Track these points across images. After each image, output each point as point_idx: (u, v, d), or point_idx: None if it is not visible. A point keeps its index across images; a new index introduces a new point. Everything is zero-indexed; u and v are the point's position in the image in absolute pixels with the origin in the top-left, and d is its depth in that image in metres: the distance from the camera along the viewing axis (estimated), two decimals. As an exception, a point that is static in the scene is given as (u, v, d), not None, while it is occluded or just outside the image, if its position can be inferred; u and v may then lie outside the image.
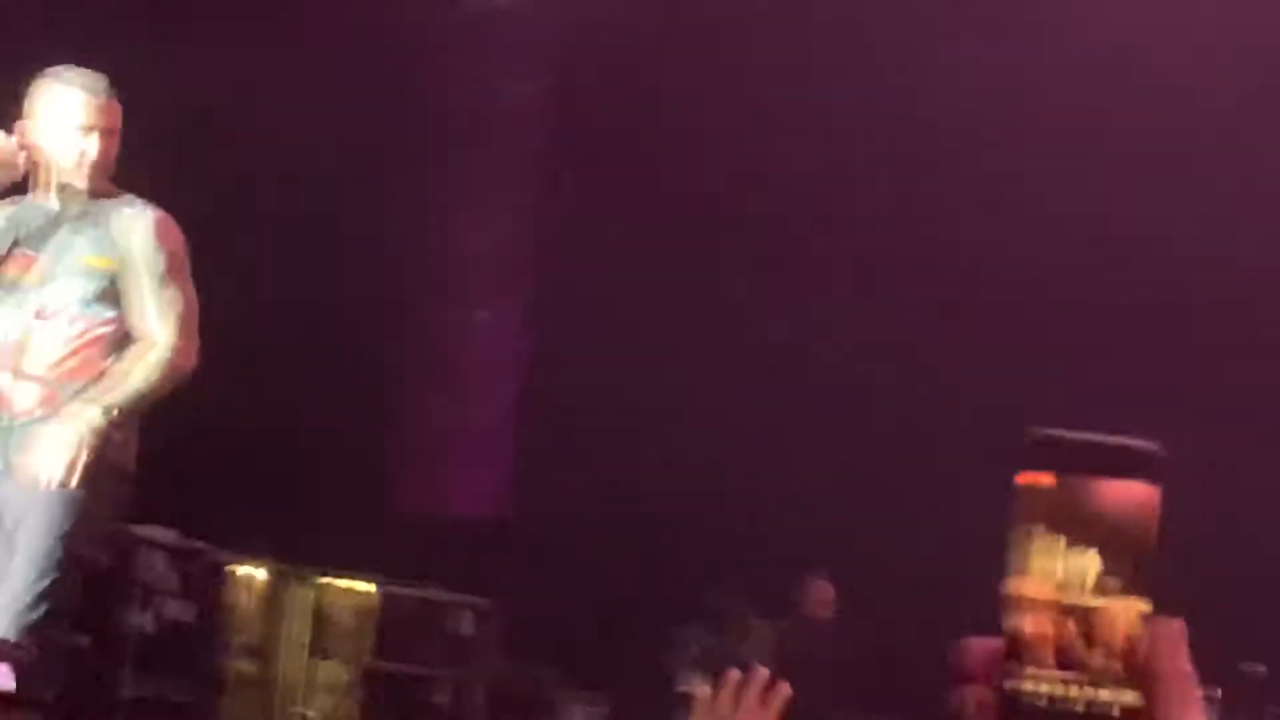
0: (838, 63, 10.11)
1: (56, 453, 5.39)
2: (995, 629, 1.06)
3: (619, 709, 8.92)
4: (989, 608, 1.12)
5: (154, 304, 5.57)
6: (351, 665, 8.94)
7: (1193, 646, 1.05)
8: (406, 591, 9.15)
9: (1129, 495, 0.97)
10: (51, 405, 5.21)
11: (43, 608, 5.24)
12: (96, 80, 5.24)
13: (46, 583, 5.18)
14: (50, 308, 5.25)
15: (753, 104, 10.38)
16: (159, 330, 5.49)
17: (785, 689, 2.45)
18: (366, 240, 9.99)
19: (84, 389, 5.23)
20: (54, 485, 5.24)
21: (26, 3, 8.58)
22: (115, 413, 5.55)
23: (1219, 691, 8.62)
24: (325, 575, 9.16)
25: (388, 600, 9.03)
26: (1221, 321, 9.70)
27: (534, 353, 10.79)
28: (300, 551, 9.15)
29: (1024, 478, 0.96)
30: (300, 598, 9.06)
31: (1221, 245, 9.57)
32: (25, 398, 5.20)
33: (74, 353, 5.29)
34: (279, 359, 9.51)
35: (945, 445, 9.56)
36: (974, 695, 0.98)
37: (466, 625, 8.97)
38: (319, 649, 8.97)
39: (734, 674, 2.45)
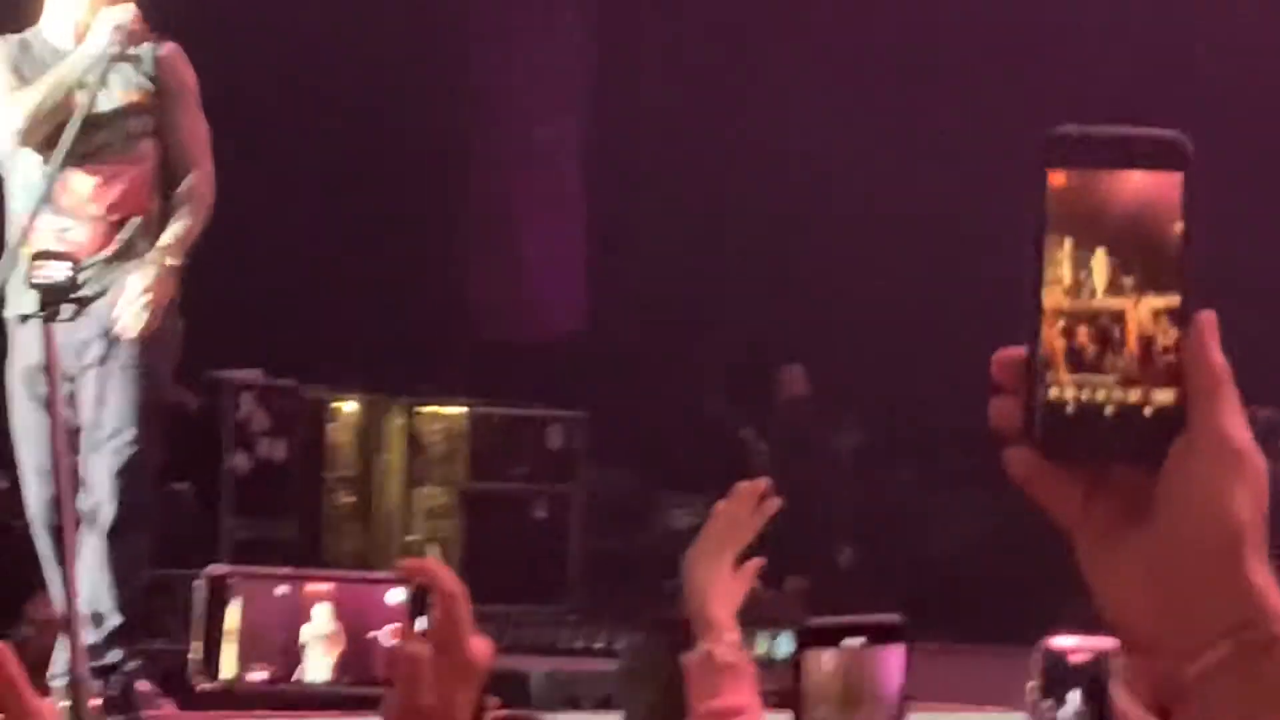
0: None
1: (138, 298, 5.42)
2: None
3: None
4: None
5: (191, 134, 5.60)
6: (449, 488, 8.87)
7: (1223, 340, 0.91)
8: (497, 411, 9.03)
9: (1142, 187, 0.87)
10: (112, 245, 5.36)
11: (136, 453, 5.39)
12: None
13: (136, 430, 5.41)
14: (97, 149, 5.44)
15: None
16: (201, 160, 5.52)
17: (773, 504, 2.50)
18: (438, 66, 9.81)
19: (142, 228, 5.40)
20: (138, 331, 5.33)
21: None
22: (183, 257, 5.62)
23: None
24: (416, 403, 9.05)
25: (479, 421, 8.94)
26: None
27: (602, 169, 10.58)
28: (390, 382, 9.08)
29: (1053, 179, 0.84)
30: (393, 427, 9.01)
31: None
32: (87, 239, 5.31)
33: (126, 191, 5.43)
34: (360, 194, 9.41)
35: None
36: (1004, 407, 0.88)
37: (558, 439, 8.88)
38: (415, 476, 8.93)
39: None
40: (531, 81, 10.78)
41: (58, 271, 5.04)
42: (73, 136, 5.22)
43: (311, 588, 1.71)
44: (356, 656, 1.70)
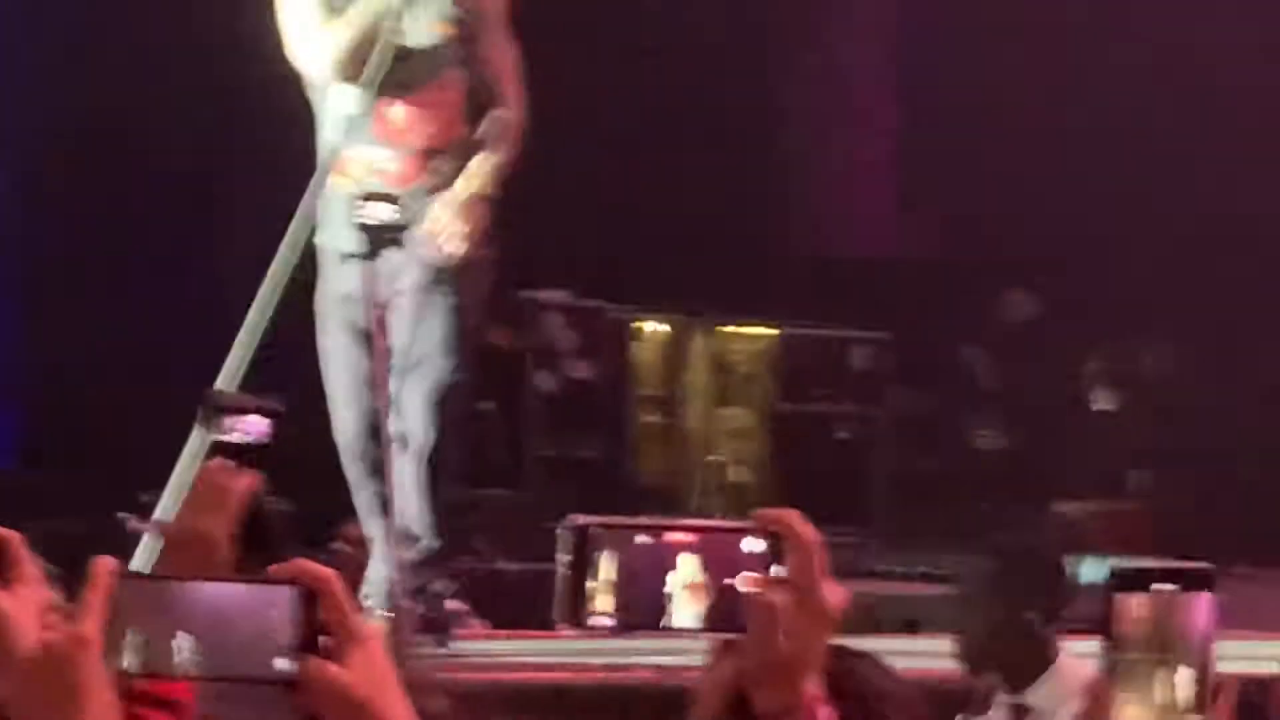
0: None
1: (452, 223, 5.48)
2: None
3: (1014, 427, 8.62)
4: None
5: (500, 64, 5.61)
6: (756, 409, 8.82)
7: None
8: (803, 332, 8.98)
9: None
10: (425, 175, 5.41)
11: (449, 381, 5.46)
12: None
13: (448, 358, 5.47)
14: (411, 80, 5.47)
15: None
16: (509, 89, 5.52)
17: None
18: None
19: (453, 157, 5.44)
20: (454, 253, 5.42)
21: None
22: (493, 187, 5.67)
23: None
24: (723, 323, 9.02)
25: (785, 342, 8.90)
26: None
27: (909, 88, 10.32)
28: (696, 301, 9.06)
29: None
30: (700, 347, 8.97)
31: None
32: (401, 169, 5.39)
33: (437, 120, 5.49)
34: (668, 113, 9.32)
35: None
36: None
37: (864, 360, 8.76)
38: (723, 396, 8.89)
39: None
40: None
41: (383, 212, 5.12)
42: (383, 67, 5.26)
43: (672, 537, 1.68)
44: (722, 605, 1.68)
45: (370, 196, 5.20)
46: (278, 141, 6.13)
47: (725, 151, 9.83)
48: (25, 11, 8.40)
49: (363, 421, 5.59)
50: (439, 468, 5.62)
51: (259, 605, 1.47)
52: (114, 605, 1.45)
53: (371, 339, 5.45)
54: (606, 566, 1.66)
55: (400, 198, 5.31)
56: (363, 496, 5.65)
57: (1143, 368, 8.77)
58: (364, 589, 5.42)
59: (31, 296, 8.64)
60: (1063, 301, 9.26)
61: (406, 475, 5.57)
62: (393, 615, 5.21)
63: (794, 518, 1.59)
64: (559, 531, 2.03)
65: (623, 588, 1.67)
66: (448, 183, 5.51)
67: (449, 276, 5.60)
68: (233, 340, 5.05)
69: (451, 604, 5.77)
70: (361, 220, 5.15)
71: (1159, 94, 9.06)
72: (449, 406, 5.67)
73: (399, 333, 5.56)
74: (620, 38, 8.60)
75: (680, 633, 1.64)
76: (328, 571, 1.47)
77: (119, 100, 8.10)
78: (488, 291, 5.98)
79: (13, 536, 1.52)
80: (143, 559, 3.29)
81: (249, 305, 5.12)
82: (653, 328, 9.01)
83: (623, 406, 8.81)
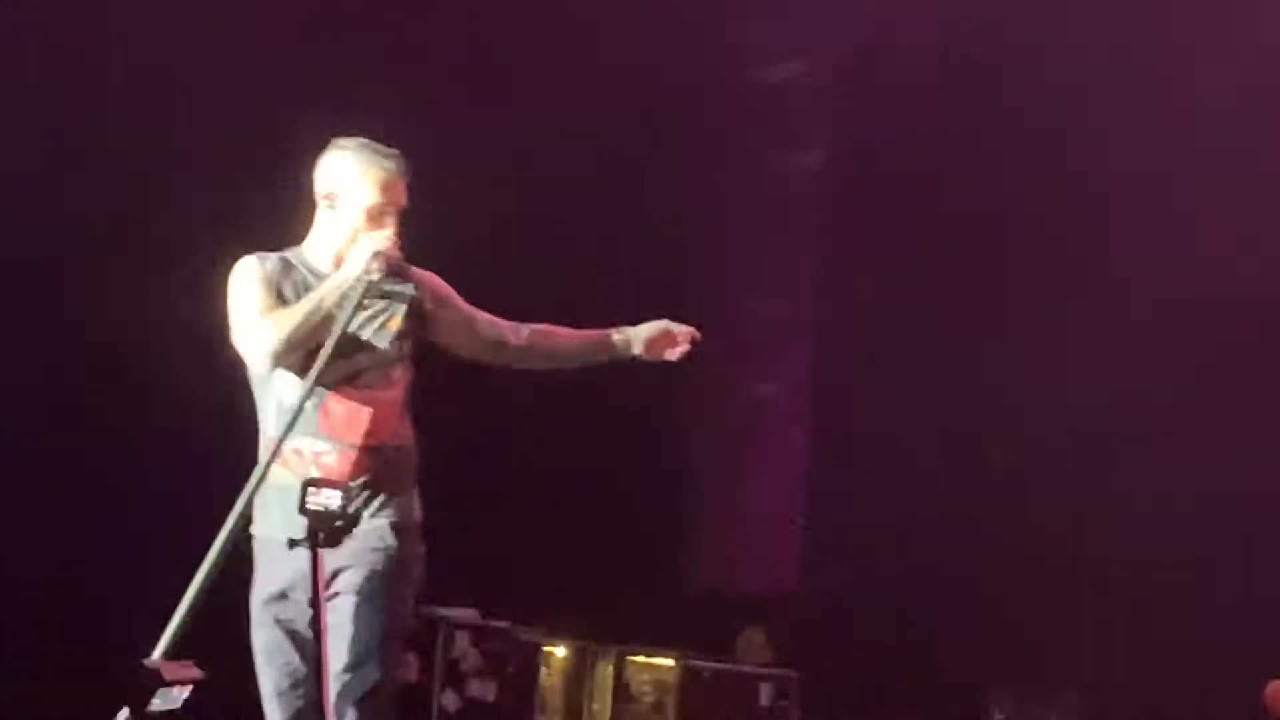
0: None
1: (389, 531, 5.11)
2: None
3: None
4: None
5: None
6: None
7: None
8: (707, 665, 9.10)
9: None
10: (366, 472, 5.17)
11: (378, 683, 5.06)
12: (400, 159, 5.24)
13: (379, 660, 5.07)
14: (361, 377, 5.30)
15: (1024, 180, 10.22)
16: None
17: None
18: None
19: (394, 454, 5.20)
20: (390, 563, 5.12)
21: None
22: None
23: None
24: (627, 652, 9.14)
25: (688, 674, 8.98)
26: None
27: (818, 428, 10.82)
28: (600, 629, 9.19)
29: None
30: (602, 674, 9.08)
31: None
32: (342, 464, 5.13)
33: (380, 418, 5.27)
34: (575, 455, 9.62)
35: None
36: None
37: (766, 696, 8.89)
38: None
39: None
40: (751, 338, 11.08)
41: (331, 499, 4.80)
42: (327, 361, 5.16)
43: None
44: None
45: (315, 482, 4.88)
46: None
47: (635, 489, 10.12)
48: None
49: (278, 702, 5.23)
50: None
51: None
52: None
53: (299, 637, 5.18)
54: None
55: (354, 495, 5.13)
56: None
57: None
58: None
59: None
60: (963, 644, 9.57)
61: None
62: None
63: None
64: None
65: None
66: (388, 482, 5.22)
67: (386, 580, 5.19)
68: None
69: None
70: (310, 506, 4.78)
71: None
72: (375, 712, 5.12)
73: (330, 632, 5.11)
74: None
75: None
76: None
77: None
78: (417, 595, 5.81)
79: None
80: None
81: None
82: (558, 652, 9.10)
83: None
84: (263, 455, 5.18)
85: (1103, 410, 9.50)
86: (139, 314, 7.89)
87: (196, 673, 3.78)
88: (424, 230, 5.23)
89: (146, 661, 3.72)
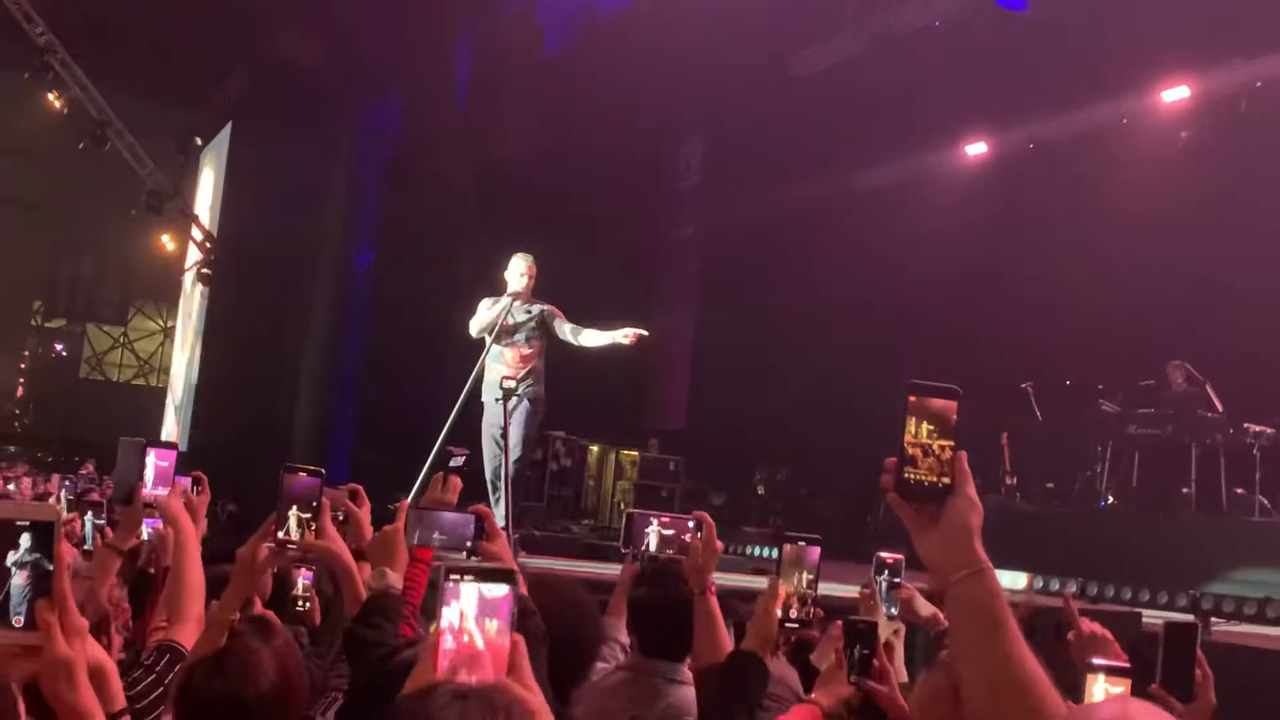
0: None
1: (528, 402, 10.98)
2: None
3: (731, 499, 21.79)
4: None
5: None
6: (631, 482, 20.98)
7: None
8: (654, 455, 21.63)
9: (942, 404, 2.29)
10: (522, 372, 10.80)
11: (523, 462, 10.93)
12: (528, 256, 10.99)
13: (523, 451, 10.84)
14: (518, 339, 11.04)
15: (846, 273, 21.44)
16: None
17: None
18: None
19: (535, 372, 10.97)
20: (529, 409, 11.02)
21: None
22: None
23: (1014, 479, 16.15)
24: (621, 447, 19.85)
25: (644, 459, 21.36)
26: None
27: (698, 357, 23.46)
28: (611, 438, 20.33)
29: (910, 398, 2.31)
30: (611, 458, 20.10)
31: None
32: (508, 385, 10.59)
33: (527, 357, 10.97)
34: (590, 368, 22.06)
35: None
36: (887, 479, 2.35)
37: (673, 467, 20.77)
38: (617, 475, 21.14)
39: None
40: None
41: (509, 382, 10.52)
42: (500, 334, 10.77)
43: (664, 520, 4.62)
44: (674, 544, 4.69)
45: (506, 379, 10.47)
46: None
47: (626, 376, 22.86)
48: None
49: (490, 463, 10.74)
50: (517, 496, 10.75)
51: (462, 522, 3.77)
52: (408, 519, 3.78)
53: (497, 441, 10.74)
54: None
55: (519, 382, 10.68)
56: (491, 498, 10.47)
57: (778, 477, 21.98)
58: None
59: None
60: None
61: (503, 493, 10.51)
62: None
63: (706, 515, 4.59)
64: (624, 515, 5.24)
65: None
66: (534, 379, 10.85)
67: (529, 416, 10.92)
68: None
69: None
70: (504, 386, 10.39)
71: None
72: (521, 478, 10.88)
73: (511, 432, 10.64)
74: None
75: (661, 555, 4.83)
76: (486, 509, 3.81)
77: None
78: (542, 421, 11.52)
79: (356, 489, 4.56)
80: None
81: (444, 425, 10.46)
82: (594, 448, 19.02)
83: (581, 477, 18.34)
84: (479, 367, 10.91)
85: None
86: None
87: (467, 450, 5.76)
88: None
89: (448, 448, 6.14)
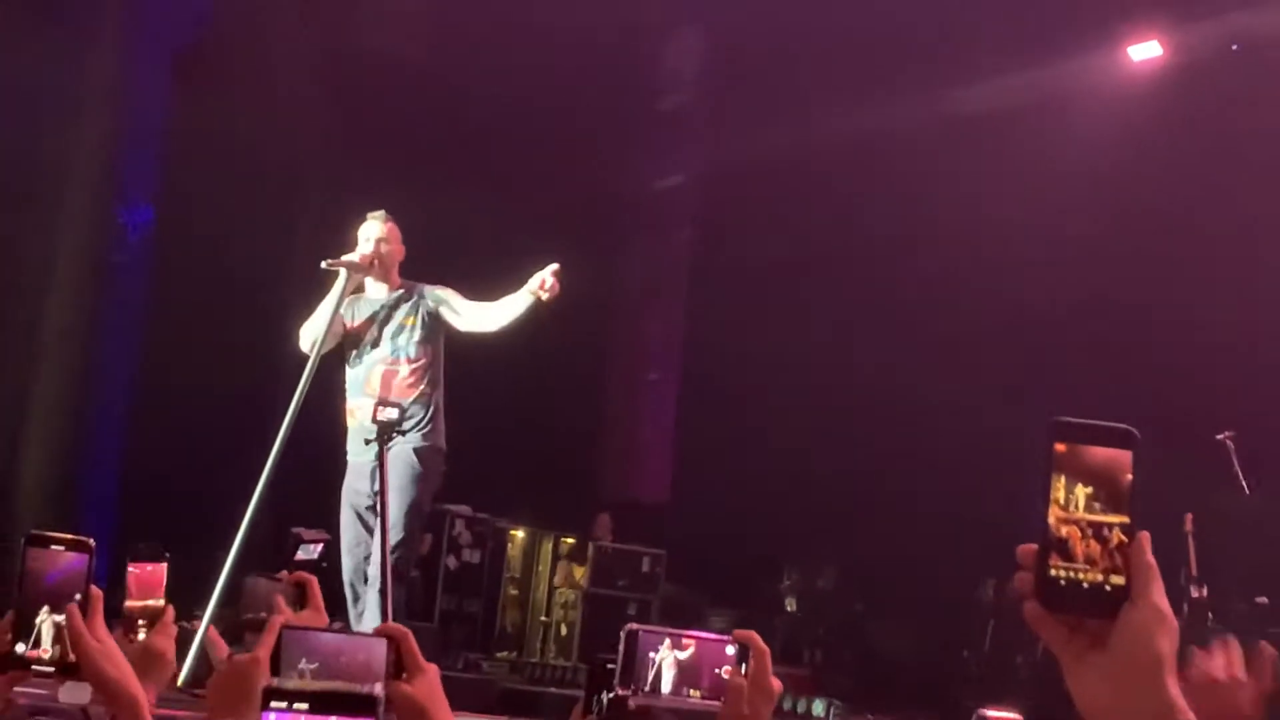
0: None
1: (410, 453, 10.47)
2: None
3: (744, 618, 18.38)
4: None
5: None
6: (576, 591, 18.39)
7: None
8: (608, 544, 18.74)
9: (1108, 454, 2.29)
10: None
11: (406, 549, 10.55)
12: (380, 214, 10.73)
13: (405, 533, 10.51)
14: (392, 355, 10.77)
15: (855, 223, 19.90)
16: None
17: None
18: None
19: (417, 405, 10.72)
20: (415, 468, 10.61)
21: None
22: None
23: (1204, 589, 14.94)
24: (560, 535, 18.87)
25: (596, 549, 18.48)
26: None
27: (683, 396, 21.66)
28: (545, 519, 18.84)
29: (1057, 447, 2.30)
30: (545, 548, 18.82)
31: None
32: (387, 414, 10.16)
33: (410, 380, 10.84)
34: (533, 407, 19.69)
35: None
36: (1024, 578, 2.32)
37: (647, 565, 18.52)
38: (557, 580, 18.71)
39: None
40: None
41: (388, 410, 10.21)
42: (349, 339, 11.43)
43: (684, 640, 4.37)
44: (702, 679, 4.38)
45: (383, 405, 10.22)
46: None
47: (569, 424, 21.12)
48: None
49: (352, 552, 10.74)
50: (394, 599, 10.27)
51: (363, 648, 3.65)
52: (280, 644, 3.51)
53: (362, 517, 10.87)
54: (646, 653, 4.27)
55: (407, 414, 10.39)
56: (349, 613, 10.46)
57: (819, 584, 20.26)
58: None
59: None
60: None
61: (371, 602, 10.33)
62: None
63: (755, 635, 4.02)
64: (622, 631, 4.29)
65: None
66: (420, 418, 10.86)
67: (415, 480, 10.82)
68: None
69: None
70: (380, 418, 10.18)
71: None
72: (403, 567, 10.71)
73: (392, 500, 10.43)
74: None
75: (678, 698, 4.27)
76: (403, 629, 3.65)
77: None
78: (436, 490, 11.28)
79: (310, 578, 4.61)
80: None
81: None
82: (519, 533, 18.47)
83: (497, 581, 18.08)
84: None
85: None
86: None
87: (325, 535, 6.29)
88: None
89: (294, 530, 6.13)
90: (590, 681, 4.56)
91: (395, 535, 10.54)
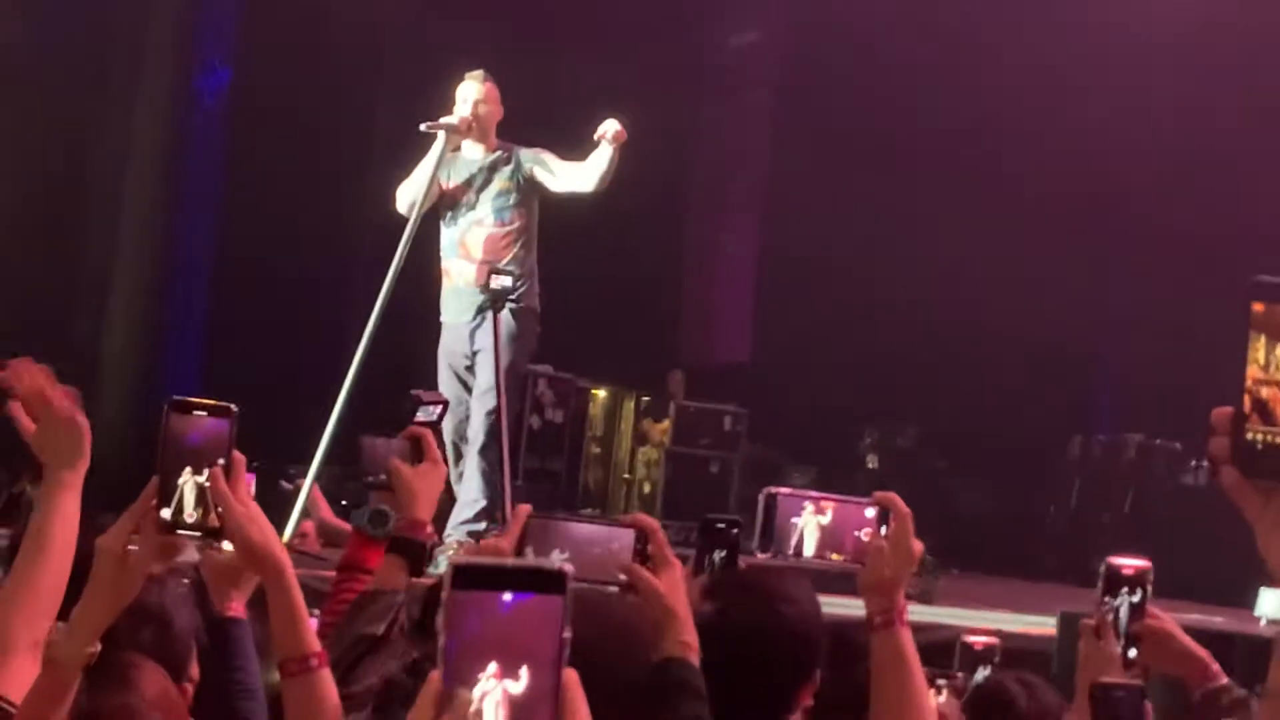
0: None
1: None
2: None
3: (825, 475, 18.81)
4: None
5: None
6: (659, 449, 18.59)
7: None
8: (692, 404, 19.09)
9: None
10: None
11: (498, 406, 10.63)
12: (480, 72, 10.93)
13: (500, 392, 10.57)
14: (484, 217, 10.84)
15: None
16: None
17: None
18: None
19: (512, 265, 10.82)
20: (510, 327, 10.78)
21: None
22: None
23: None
24: (641, 394, 19.12)
25: (678, 409, 18.85)
26: None
27: (764, 254, 21.57)
28: (626, 378, 19.14)
29: (1255, 306, 2.23)
30: (628, 407, 19.01)
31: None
32: (481, 274, 10.63)
33: (505, 242, 10.96)
34: (617, 269, 19.76)
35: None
36: (1219, 443, 2.26)
37: (729, 424, 18.64)
38: (639, 438, 18.98)
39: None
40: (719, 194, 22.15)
41: (500, 279, 10.55)
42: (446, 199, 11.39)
43: (824, 504, 4.46)
44: (843, 543, 4.45)
45: (492, 271, 10.59)
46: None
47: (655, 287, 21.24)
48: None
49: (454, 428, 10.95)
50: (490, 458, 10.95)
51: (611, 537, 3.92)
52: (524, 532, 3.84)
53: (462, 378, 11.09)
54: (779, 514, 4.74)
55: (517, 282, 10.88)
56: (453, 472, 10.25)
57: (899, 442, 20.36)
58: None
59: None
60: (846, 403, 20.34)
61: (473, 460, 10.79)
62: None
63: (896, 498, 4.27)
64: (761, 495, 4.78)
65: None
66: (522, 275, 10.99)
67: (515, 333, 10.89)
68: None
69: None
70: (494, 285, 10.54)
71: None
72: (497, 425, 10.90)
73: (483, 370, 10.84)
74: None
75: (822, 561, 4.68)
76: (653, 521, 3.96)
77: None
78: (532, 352, 11.74)
79: (426, 432, 4.64)
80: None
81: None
82: (600, 393, 18.65)
83: (579, 440, 18.16)
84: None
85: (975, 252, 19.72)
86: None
87: (443, 397, 6.50)
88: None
89: (413, 392, 6.42)
90: (702, 542, 4.75)
91: (493, 397, 10.84)
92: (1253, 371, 2.25)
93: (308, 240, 17.00)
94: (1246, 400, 2.26)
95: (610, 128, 10.82)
